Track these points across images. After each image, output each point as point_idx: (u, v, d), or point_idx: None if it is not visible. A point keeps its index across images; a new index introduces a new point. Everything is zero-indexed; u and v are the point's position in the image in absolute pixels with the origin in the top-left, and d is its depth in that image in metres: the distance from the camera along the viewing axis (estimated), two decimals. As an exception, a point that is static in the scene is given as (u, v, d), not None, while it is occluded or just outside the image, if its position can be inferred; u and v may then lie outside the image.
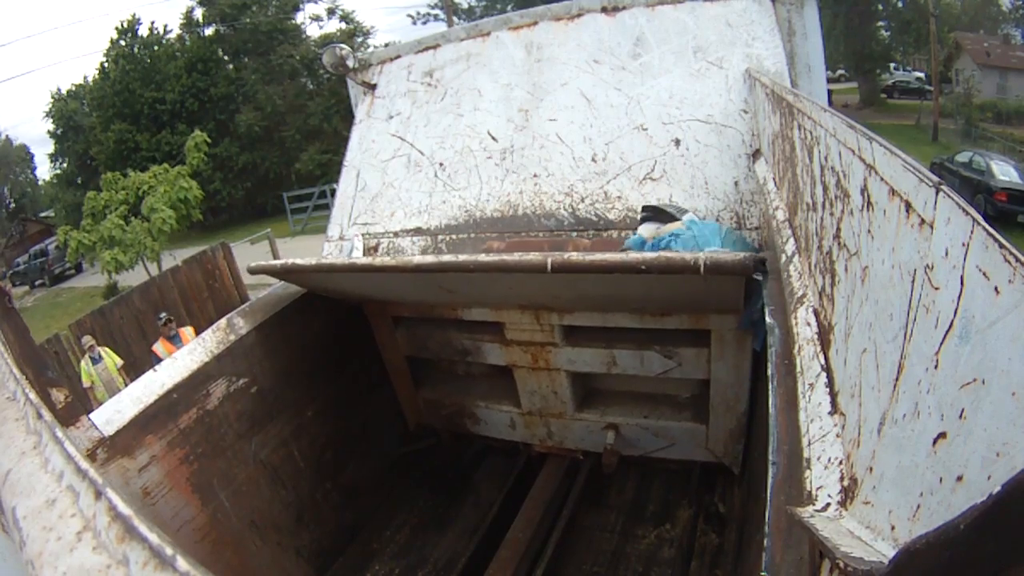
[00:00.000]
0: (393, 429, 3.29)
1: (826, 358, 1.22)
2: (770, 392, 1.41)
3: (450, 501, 3.16)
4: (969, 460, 0.60)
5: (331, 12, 27.21)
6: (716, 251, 2.11)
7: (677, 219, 2.59)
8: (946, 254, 0.69)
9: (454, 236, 3.11)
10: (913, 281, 0.78)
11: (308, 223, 19.13)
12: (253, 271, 2.70)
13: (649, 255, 1.92)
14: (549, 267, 1.78)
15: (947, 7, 25.52)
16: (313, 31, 27.13)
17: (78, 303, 17.26)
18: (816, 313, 1.37)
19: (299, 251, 13.47)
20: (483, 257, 2.05)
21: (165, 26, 27.57)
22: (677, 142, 2.84)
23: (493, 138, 3.23)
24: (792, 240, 1.78)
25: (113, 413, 2.10)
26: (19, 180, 39.76)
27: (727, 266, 1.82)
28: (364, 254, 3.30)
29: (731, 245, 2.34)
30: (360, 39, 26.41)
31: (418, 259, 2.14)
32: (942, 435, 0.66)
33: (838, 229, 1.20)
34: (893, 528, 0.75)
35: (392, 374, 3.22)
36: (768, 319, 1.63)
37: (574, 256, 1.85)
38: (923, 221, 0.76)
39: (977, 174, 12.97)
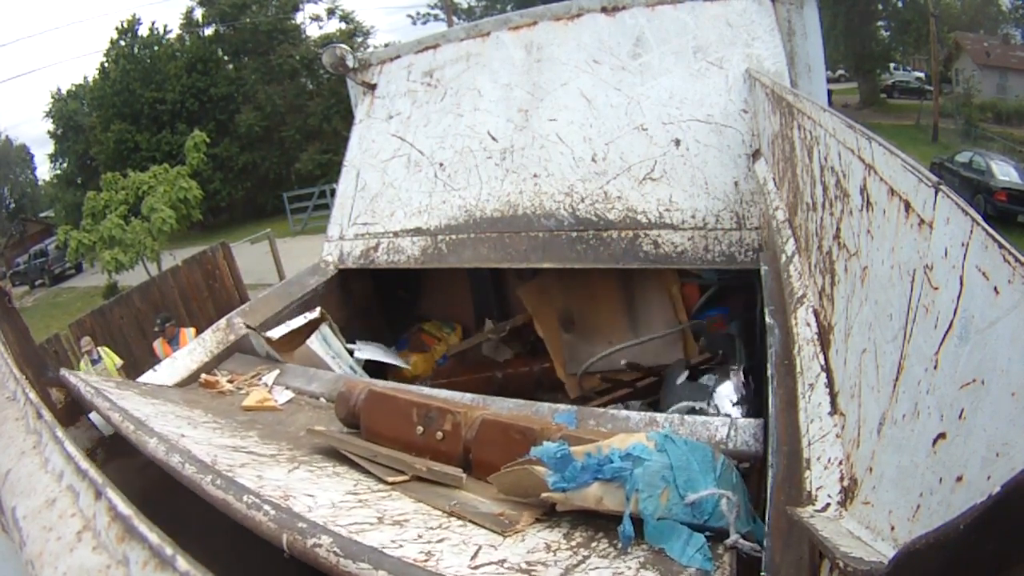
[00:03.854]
0: None
1: (826, 358, 1.22)
2: (770, 392, 1.41)
3: None
4: (969, 460, 0.61)
5: (331, 12, 27.27)
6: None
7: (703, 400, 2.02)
8: (945, 254, 0.69)
9: (454, 236, 3.11)
10: (912, 281, 0.78)
11: (308, 223, 19.13)
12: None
13: None
14: (284, 547, 1.00)
15: (947, 7, 25.51)
16: (313, 31, 27.20)
17: (78, 303, 17.26)
18: (816, 313, 1.37)
19: (299, 251, 13.46)
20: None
21: (165, 26, 27.57)
22: (677, 142, 2.84)
23: (493, 138, 3.23)
24: (792, 240, 1.77)
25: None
26: (19, 180, 39.78)
27: None
28: (363, 255, 3.30)
29: (727, 487, 1.26)
30: (360, 39, 26.44)
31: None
32: (942, 435, 0.66)
33: (838, 229, 1.20)
34: (893, 528, 0.75)
35: None
36: (768, 319, 1.63)
37: (323, 550, 0.95)
38: (922, 221, 0.76)
39: (977, 174, 12.99)
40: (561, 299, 3.31)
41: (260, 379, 2.35)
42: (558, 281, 3.27)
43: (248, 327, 2.67)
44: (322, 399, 2.20)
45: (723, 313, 2.98)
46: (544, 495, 1.30)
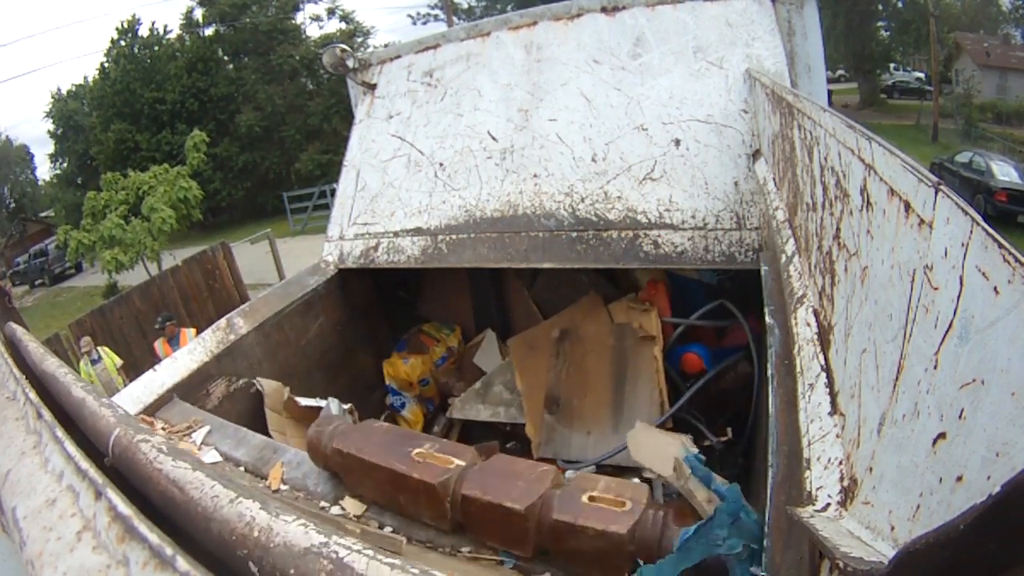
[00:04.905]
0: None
1: (826, 358, 1.22)
2: (770, 392, 1.41)
3: None
4: (969, 460, 0.61)
5: (331, 12, 27.29)
6: None
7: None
8: (945, 254, 0.69)
9: (454, 236, 3.11)
10: (912, 281, 0.78)
11: (308, 223, 19.12)
12: None
13: None
14: (110, 446, 0.88)
15: (947, 7, 25.50)
16: (313, 31, 27.22)
17: (78, 303, 17.26)
18: (816, 313, 1.37)
19: (299, 251, 13.46)
20: None
21: (165, 26, 27.61)
22: (677, 142, 2.84)
23: (493, 138, 3.23)
24: (792, 240, 1.77)
25: (112, 413, 2.09)
26: (19, 180, 39.73)
27: None
28: (363, 255, 3.30)
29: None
30: (360, 39, 26.45)
31: None
32: (942, 435, 0.66)
33: (838, 229, 1.20)
34: (893, 528, 0.75)
35: None
36: (768, 319, 1.63)
37: (148, 446, 0.83)
38: (922, 221, 0.76)
39: (977, 174, 12.99)
40: (550, 364, 3.08)
41: (191, 434, 2.16)
42: (549, 342, 3.14)
43: (273, 388, 2.61)
44: (245, 468, 1.99)
45: (697, 351, 2.91)
46: (677, 455, 1.53)
